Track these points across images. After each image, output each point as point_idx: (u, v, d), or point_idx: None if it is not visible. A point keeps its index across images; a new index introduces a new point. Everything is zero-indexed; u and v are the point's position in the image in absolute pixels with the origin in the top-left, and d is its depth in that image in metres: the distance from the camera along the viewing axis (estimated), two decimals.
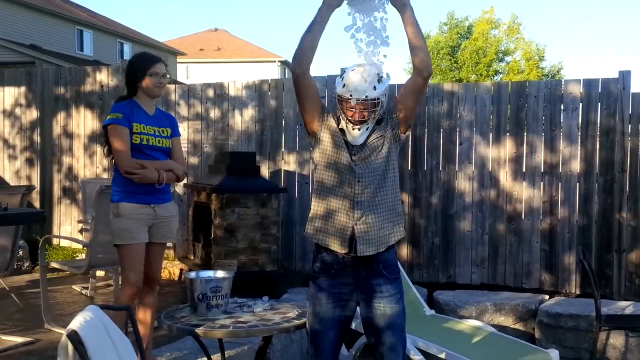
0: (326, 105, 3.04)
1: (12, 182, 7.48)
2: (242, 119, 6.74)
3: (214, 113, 6.85)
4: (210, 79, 7.97)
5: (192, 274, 3.28)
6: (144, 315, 3.69)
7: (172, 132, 3.76)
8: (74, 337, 2.03)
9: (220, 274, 3.34)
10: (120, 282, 3.77)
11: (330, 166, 2.85)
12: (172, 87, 7.18)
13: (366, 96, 2.73)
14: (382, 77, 2.80)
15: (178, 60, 32.26)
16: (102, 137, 3.79)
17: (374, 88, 2.74)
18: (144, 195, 3.59)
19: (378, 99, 2.76)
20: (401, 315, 2.89)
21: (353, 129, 2.78)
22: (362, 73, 2.77)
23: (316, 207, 2.89)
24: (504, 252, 6.02)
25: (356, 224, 2.80)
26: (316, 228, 2.88)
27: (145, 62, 3.64)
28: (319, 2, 2.85)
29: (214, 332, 2.98)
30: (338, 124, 2.86)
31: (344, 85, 2.78)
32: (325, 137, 2.87)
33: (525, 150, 5.98)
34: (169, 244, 6.73)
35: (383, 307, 2.84)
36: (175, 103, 6.98)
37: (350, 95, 2.74)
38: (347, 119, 2.78)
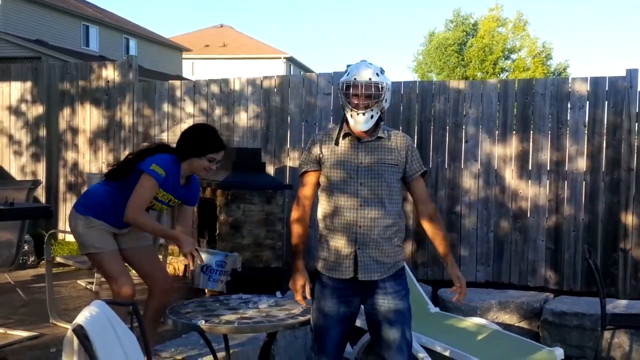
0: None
1: (18, 177, 7.51)
2: (247, 116, 6.73)
3: (219, 109, 6.84)
4: (216, 75, 7.98)
5: (202, 249, 3.27)
6: (154, 315, 3.57)
7: (188, 203, 3.71)
8: (79, 331, 2.03)
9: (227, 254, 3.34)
10: (112, 287, 3.54)
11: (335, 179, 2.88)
12: (177, 83, 7.18)
13: (369, 79, 2.78)
14: (384, 71, 2.87)
15: (183, 56, 32.27)
16: (129, 161, 3.60)
17: (377, 74, 2.81)
18: (115, 223, 3.53)
19: (380, 85, 2.79)
20: (406, 313, 2.88)
21: (357, 114, 2.79)
22: (365, 63, 2.86)
23: (319, 227, 2.96)
24: (509, 250, 6.01)
25: (359, 248, 2.83)
26: (319, 257, 2.95)
27: (214, 145, 3.51)
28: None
29: (219, 327, 2.98)
30: (337, 140, 2.88)
31: (348, 73, 2.85)
32: (328, 157, 2.90)
33: (531, 148, 5.96)
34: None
35: (387, 304, 2.83)
36: (180, 99, 6.98)
37: (355, 79, 2.79)
38: (351, 107, 2.81)
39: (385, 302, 2.84)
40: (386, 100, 2.84)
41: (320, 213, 2.94)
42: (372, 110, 2.80)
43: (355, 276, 2.82)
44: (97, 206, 3.53)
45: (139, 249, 3.65)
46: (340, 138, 2.88)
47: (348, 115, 2.84)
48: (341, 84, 2.85)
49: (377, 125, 2.88)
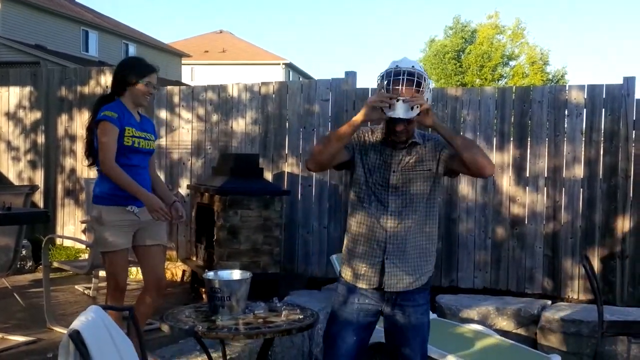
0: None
1: (16, 182, 7.50)
2: (246, 121, 6.74)
3: (218, 115, 6.85)
4: (215, 81, 7.98)
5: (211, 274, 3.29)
6: (145, 310, 3.67)
7: (154, 139, 3.81)
8: (75, 337, 2.03)
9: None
10: (108, 286, 3.74)
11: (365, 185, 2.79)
12: (176, 89, 7.19)
13: (412, 66, 2.63)
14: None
15: (183, 62, 32.32)
16: (86, 132, 3.73)
17: (418, 67, 2.66)
18: (130, 199, 3.56)
19: (423, 77, 2.62)
20: (425, 328, 2.83)
21: (397, 101, 2.56)
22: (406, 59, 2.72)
23: (347, 238, 2.89)
24: (506, 256, 6.01)
25: (387, 258, 2.76)
26: (344, 263, 2.88)
27: (143, 68, 3.66)
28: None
29: (215, 333, 2.98)
30: (378, 143, 2.78)
31: (389, 65, 2.68)
32: (362, 164, 2.81)
33: (528, 155, 5.97)
34: (171, 245, 6.76)
35: (408, 317, 2.78)
36: (178, 105, 6.99)
37: (397, 66, 2.63)
38: (390, 97, 2.58)
39: (405, 316, 2.78)
40: (427, 99, 2.65)
41: (350, 220, 2.87)
42: (412, 101, 2.57)
43: (381, 286, 2.76)
44: (108, 190, 3.54)
45: (153, 247, 3.72)
46: (379, 142, 2.78)
47: (386, 110, 2.60)
48: (382, 78, 2.66)
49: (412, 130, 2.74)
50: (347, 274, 2.85)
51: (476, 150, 2.71)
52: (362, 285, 2.79)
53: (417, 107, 2.59)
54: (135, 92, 3.63)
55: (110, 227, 3.54)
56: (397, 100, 2.58)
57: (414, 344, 2.79)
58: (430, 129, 2.73)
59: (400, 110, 2.59)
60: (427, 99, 2.66)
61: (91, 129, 3.64)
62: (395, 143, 2.75)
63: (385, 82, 2.63)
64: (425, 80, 2.63)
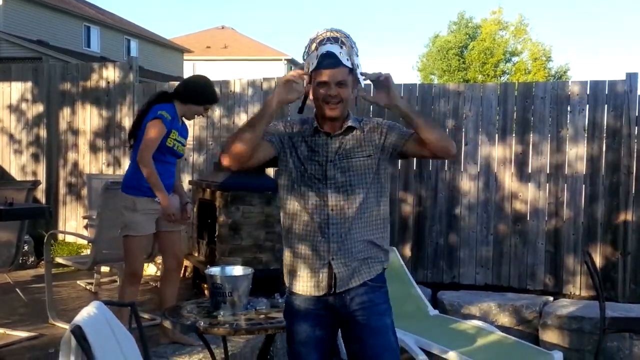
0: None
1: (18, 177, 7.51)
2: (248, 117, 6.73)
3: (220, 111, 6.85)
4: (217, 77, 7.95)
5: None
6: (172, 290, 4.11)
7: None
8: (77, 332, 2.04)
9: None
10: (125, 272, 4.06)
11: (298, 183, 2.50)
12: (177, 84, 7.16)
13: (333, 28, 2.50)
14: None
15: (185, 57, 32.28)
16: (137, 117, 4.04)
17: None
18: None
19: (346, 36, 2.46)
20: (389, 332, 2.47)
21: (325, 44, 2.46)
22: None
23: (285, 246, 2.55)
24: (508, 253, 6.01)
25: (332, 258, 2.43)
26: (287, 271, 2.54)
27: (213, 97, 4.12)
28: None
29: (217, 329, 2.98)
30: (310, 129, 2.60)
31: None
32: (291, 155, 2.57)
33: (530, 151, 5.96)
34: None
35: (367, 321, 2.44)
36: None
37: (324, 30, 2.50)
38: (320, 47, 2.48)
39: (364, 318, 2.44)
40: (357, 65, 2.47)
41: (284, 219, 2.53)
42: (344, 48, 2.46)
43: (331, 290, 2.43)
44: (142, 181, 3.84)
45: (174, 232, 4.10)
46: (311, 133, 2.59)
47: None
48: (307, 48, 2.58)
49: (347, 114, 2.53)
50: (290, 282, 2.53)
51: (439, 130, 2.53)
52: (309, 292, 2.46)
53: (347, 57, 2.41)
54: (194, 110, 4.05)
55: (142, 214, 3.89)
56: (326, 44, 2.43)
57: (379, 350, 2.42)
58: (386, 110, 2.54)
59: (333, 51, 2.41)
60: (357, 65, 2.45)
61: (144, 115, 3.93)
62: (332, 121, 2.52)
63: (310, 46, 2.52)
64: (347, 37, 2.44)
